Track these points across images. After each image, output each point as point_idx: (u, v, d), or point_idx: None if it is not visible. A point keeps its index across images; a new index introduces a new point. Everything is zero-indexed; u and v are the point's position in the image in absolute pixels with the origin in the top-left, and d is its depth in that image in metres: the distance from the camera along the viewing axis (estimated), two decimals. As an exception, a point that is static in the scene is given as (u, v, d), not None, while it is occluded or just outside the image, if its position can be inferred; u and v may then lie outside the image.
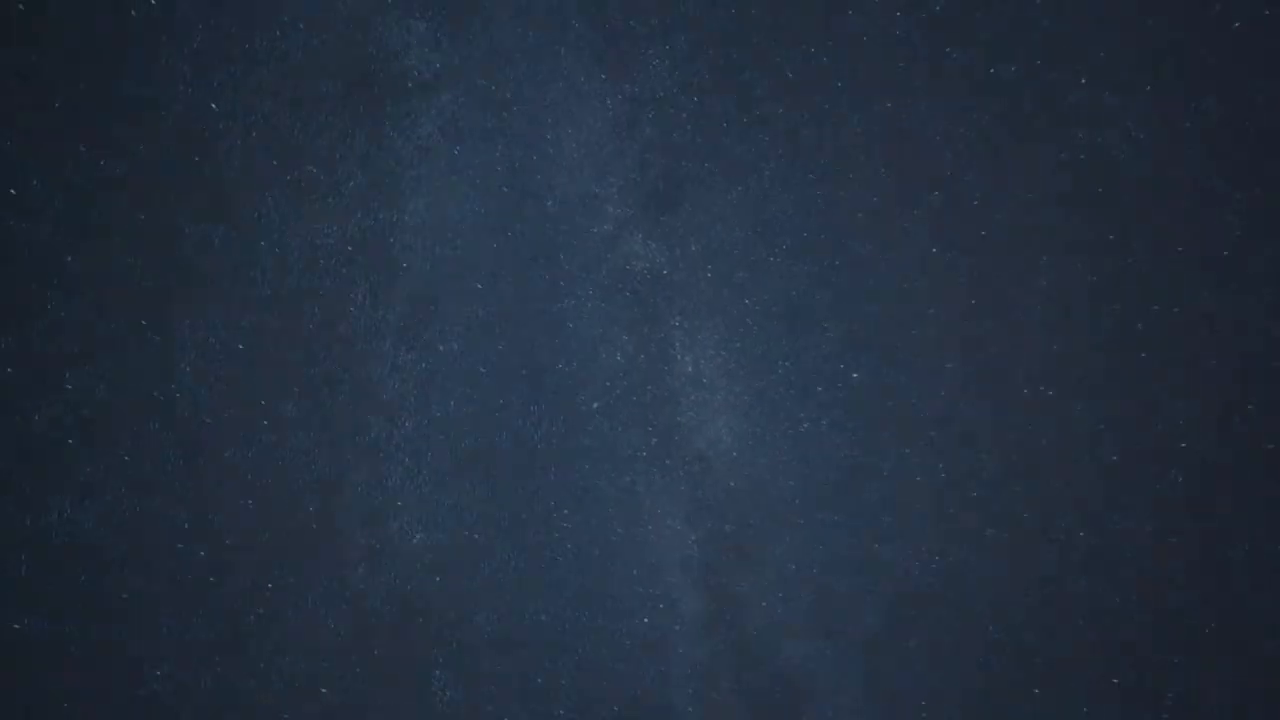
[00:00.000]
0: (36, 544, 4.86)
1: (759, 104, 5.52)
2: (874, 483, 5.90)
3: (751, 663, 5.87)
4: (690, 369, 5.67)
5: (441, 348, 5.29)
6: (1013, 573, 5.91)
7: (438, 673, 5.44)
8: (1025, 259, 5.92)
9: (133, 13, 4.44)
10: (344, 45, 4.95)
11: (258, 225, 4.96)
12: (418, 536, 5.36)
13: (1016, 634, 6.04)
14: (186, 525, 5.11)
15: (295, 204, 5.08)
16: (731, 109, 5.48)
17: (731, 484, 5.80)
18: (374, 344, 5.34)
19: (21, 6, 3.92)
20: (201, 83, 4.85)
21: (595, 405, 5.52)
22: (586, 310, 5.52)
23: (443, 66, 5.15)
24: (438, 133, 5.14)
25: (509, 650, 5.54)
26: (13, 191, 4.18)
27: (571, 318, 5.53)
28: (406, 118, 5.16)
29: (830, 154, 5.68)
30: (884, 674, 5.92)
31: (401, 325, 5.29)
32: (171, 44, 4.83)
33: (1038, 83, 5.68)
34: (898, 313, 5.87)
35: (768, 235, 5.66)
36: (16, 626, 4.70)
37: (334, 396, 5.26)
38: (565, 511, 5.56)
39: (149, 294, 5.05)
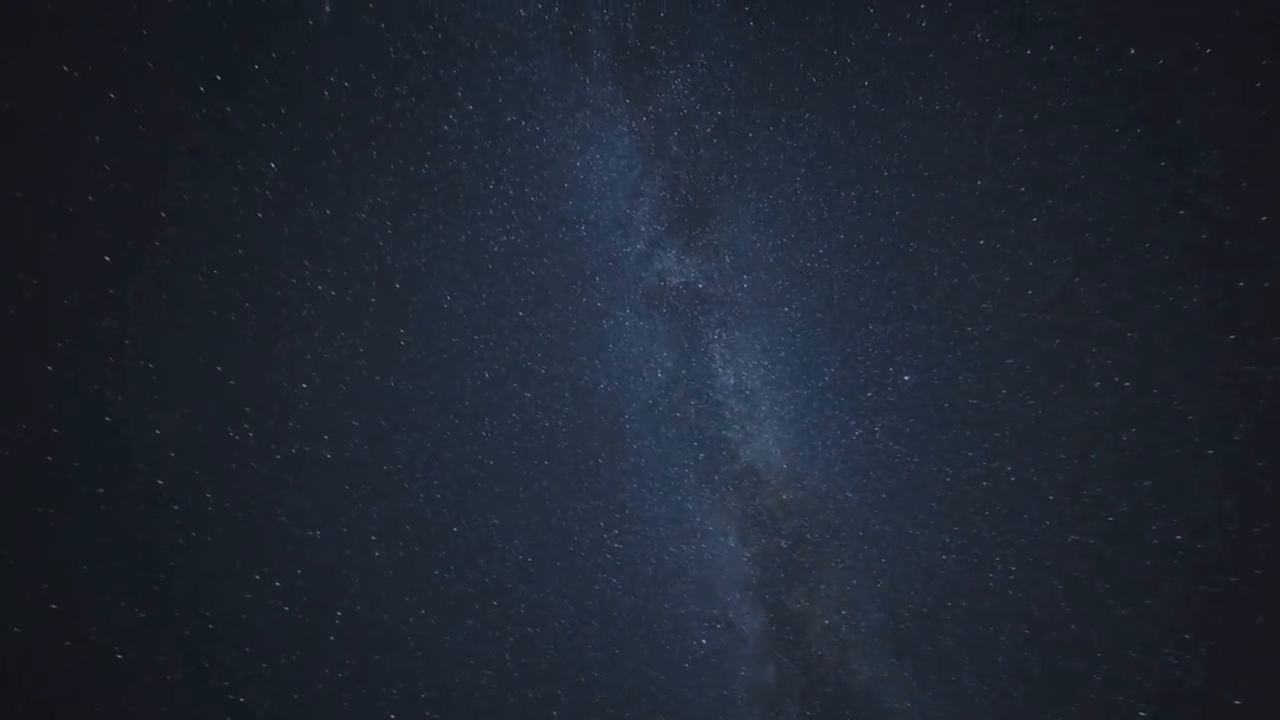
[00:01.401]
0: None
1: (785, 112, 5.06)
2: (937, 490, 5.15)
3: (818, 684, 5.16)
4: (733, 381, 5.16)
5: (488, 374, 5.01)
6: (1101, 580, 5.00)
7: (489, 697, 5.02)
8: (1087, 244, 5.14)
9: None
10: (373, 91, 4.84)
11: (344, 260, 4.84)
12: (472, 558, 5.02)
13: (1116, 648, 5.10)
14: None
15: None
16: (757, 119, 5.04)
17: (784, 497, 5.19)
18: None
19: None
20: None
21: (639, 424, 5.08)
22: (625, 330, 5.14)
23: (474, 107, 4.97)
24: (470, 168, 4.94)
25: (564, 674, 5.07)
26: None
27: (611, 338, 5.16)
28: (446, 158, 4.99)
29: (862, 155, 5.13)
30: (963, 695, 5.07)
31: (447, 357, 5.04)
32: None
33: (1069, 70, 4.98)
34: (949, 309, 5.18)
35: (803, 241, 5.14)
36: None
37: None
38: (615, 532, 5.10)
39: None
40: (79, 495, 4.74)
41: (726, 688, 5.02)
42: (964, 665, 5.08)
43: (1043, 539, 5.10)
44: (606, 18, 4.88)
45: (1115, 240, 5.00)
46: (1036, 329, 5.09)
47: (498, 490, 4.98)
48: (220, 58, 4.67)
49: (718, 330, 5.03)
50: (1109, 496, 4.99)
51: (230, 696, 4.80)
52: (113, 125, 4.48)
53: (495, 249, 4.90)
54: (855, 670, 5.01)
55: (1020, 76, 4.92)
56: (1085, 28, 4.80)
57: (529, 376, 4.98)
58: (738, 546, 5.06)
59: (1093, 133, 4.96)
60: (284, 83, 4.75)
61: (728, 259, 5.04)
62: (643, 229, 4.98)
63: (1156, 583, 4.93)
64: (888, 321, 5.15)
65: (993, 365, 5.11)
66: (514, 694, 4.96)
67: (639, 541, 5.00)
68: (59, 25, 4.38)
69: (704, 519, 5.05)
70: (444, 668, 5.04)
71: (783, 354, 5.05)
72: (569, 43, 4.87)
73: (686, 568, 5.04)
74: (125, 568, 4.78)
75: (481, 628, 4.99)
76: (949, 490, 5.08)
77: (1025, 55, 4.90)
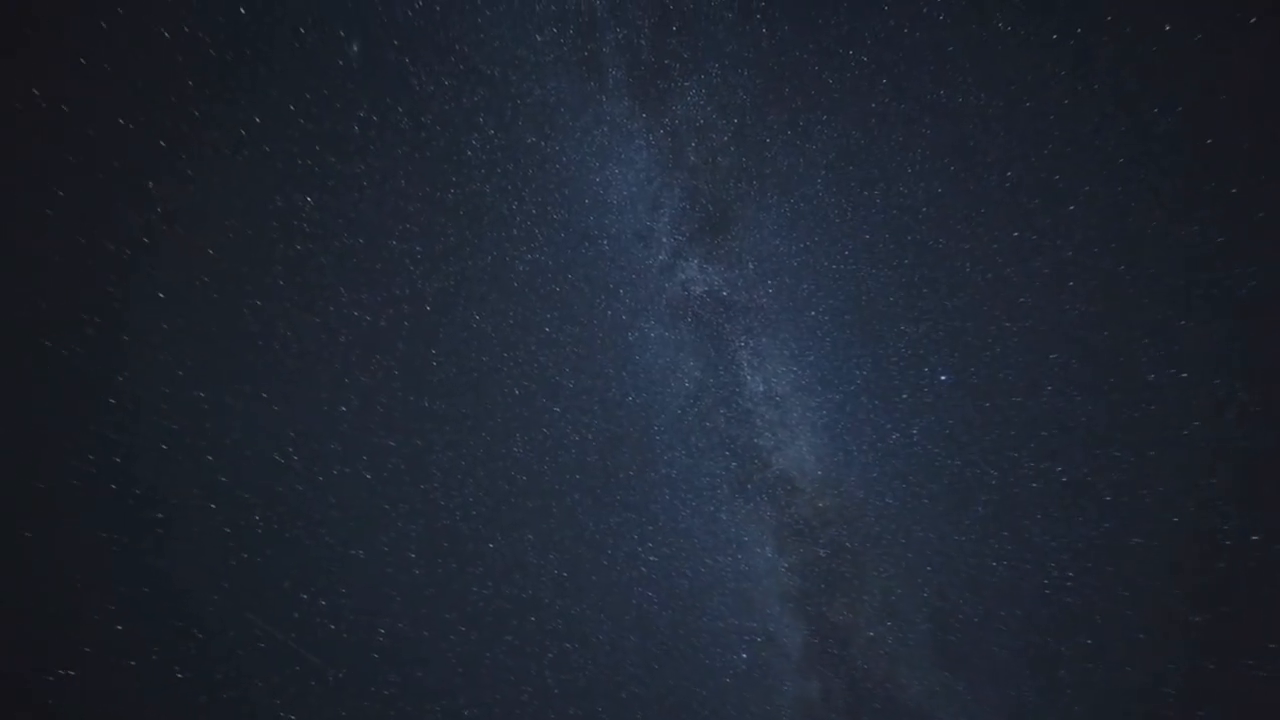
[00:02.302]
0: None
1: (802, 115, 4.77)
2: (983, 494, 4.69)
3: (866, 699, 4.71)
4: (762, 388, 4.84)
5: (518, 391, 4.82)
6: (1171, 586, 4.44)
7: (530, 714, 4.75)
8: (1130, 230, 4.66)
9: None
10: (400, 123, 4.79)
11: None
12: (509, 574, 4.81)
13: (1190, 660, 4.52)
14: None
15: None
16: (774, 125, 4.77)
17: (820, 505, 4.81)
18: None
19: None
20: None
21: (669, 434, 4.80)
22: (651, 341, 4.89)
23: (495, 131, 4.86)
24: (494, 191, 4.81)
25: (603, 690, 4.77)
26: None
27: (637, 350, 4.92)
28: (470, 182, 4.89)
29: (884, 153, 4.79)
30: (1024, 711, 4.55)
31: (477, 376, 4.89)
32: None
33: (1100, 51, 4.55)
34: (984, 305, 4.75)
35: (827, 243, 4.81)
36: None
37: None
38: (649, 545, 4.81)
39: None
40: (139, 520, 4.73)
41: (770, 703, 4.62)
42: (1023, 679, 4.55)
43: (1101, 543, 4.56)
44: (620, 36, 4.71)
45: (1161, 224, 4.50)
46: (1081, 321, 4.61)
47: (531, 505, 4.75)
48: (261, 102, 4.69)
49: (744, 337, 4.72)
50: (1173, 496, 4.44)
51: (281, 714, 4.67)
52: (161, 170, 4.52)
53: (520, 268, 4.73)
54: (904, 684, 4.54)
55: (1048, 62, 4.51)
56: (1115, 6, 4.37)
57: (557, 391, 4.76)
58: (775, 557, 4.69)
59: (1130, 114, 4.50)
60: (318, 120, 4.74)
61: (751, 265, 4.74)
62: (664, 240, 4.74)
63: (1231, 587, 4.33)
64: (920, 321, 4.76)
65: (1035, 361, 4.65)
66: (554, 711, 4.67)
67: (673, 554, 4.69)
68: (109, 76, 4.44)
69: (739, 529, 4.70)
70: (485, 684, 4.80)
71: (812, 358, 4.70)
72: (584, 63, 4.72)
73: (723, 579, 4.70)
74: (181, 590, 4.73)
75: (520, 644, 4.74)
76: (995, 493, 4.60)
77: (1052, 40, 4.50)
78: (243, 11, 4.60)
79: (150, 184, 4.66)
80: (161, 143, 4.69)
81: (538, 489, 4.85)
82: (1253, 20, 4.12)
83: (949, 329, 4.73)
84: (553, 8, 4.68)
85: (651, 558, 4.68)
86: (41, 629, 4.61)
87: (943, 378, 4.59)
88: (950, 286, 4.75)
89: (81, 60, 4.42)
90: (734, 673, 4.69)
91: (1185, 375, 4.29)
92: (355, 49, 4.75)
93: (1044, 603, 4.58)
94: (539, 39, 4.74)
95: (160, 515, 4.77)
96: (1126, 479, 4.52)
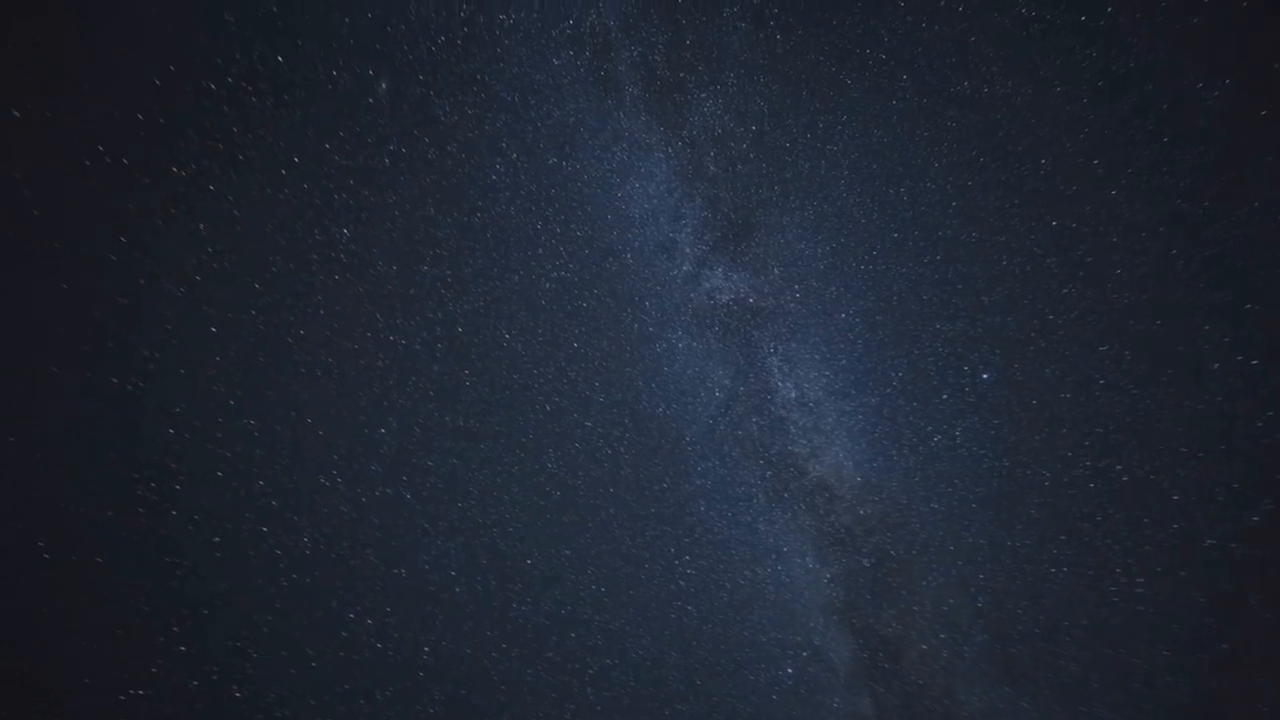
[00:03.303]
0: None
1: (821, 118, 4.49)
2: (1036, 496, 4.21)
3: (922, 717, 4.23)
4: (794, 394, 4.50)
5: (549, 407, 4.62)
6: (1251, 590, 3.84)
7: None
8: (1181, 211, 4.17)
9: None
10: (428, 153, 4.71)
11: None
12: (547, 590, 4.55)
13: (1278, 668, 3.88)
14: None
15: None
16: (793, 129, 4.50)
17: (862, 512, 4.41)
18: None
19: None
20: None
21: (702, 445, 4.49)
22: (679, 351, 4.63)
23: (518, 154, 4.74)
24: (519, 212, 4.67)
25: (647, 706, 4.43)
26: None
27: (666, 361, 4.66)
28: (496, 205, 4.79)
29: (908, 149, 4.45)
30: (1097, 730, 3.99)
31: (509, 393, 4.71)
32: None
33: (1134, 29, 4.12)
34: (1025, 298, 4.31)
35: (854, 244, 4.47)
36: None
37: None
38: (686, 558, 4.49)
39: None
40: (198, 544, 4.69)
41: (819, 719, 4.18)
42: (1094, 694, 4.00)
43: (1171, 545, 4.01)
44: (635, 54, 4.54)
45: (1215, 204, 3.99)
46: (1132, 310, 4.12)
47: (566, 520, 4.51)
48: (299, 143, 4.70)
49: (773, 343, 4.40)
50: (1248, 493, 3.86)
51: (332, 733, 4.50)
52: (211, 213, 4.55)
53: (547, 285, 4.56)
54: (963, 701, 4.05)
55: (1077, 44, 4.11)
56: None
57: (588, 406, 4.53)
58: (816, 567, 4.29)
59: (1171, 91, 4.03)
60: (352, 156, 4.72)
61: (777, 270, 4.43)
62: (688, 250, 4.50)
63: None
64: (956, 318, 4.34)
65: (1084, 354, 4.17)
66: (597, 729, 4.36)
67: (711, 566, 4.35)
68: (164, 130, 4.51)
69: (777, 539, 4.34)
70: (528, 702, 4.53)
71: (844, 362, 4.34)
72: (601, 83, 4.57)
73: (764, 592, 4.33)
74: (238, 612, 4.64)
75: (561, 660, 4.46)
76: (1050, 495, 4.11)
77: (1079, 21, 4.09)
78: (280, 60, 4.62)
79: (201, 226, 4.69)
80: (210, 187, 4.74)
81: (572, 504, 4.59)
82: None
83: (988, 325, 4.29)
84: (568, 32, 4.54)
85: (689, 570, 4.35)
86: (109, 650, 4.59)
87: (984, 376, 4.15)
88: (986, 281, 4.32)
89: (139, 115, 4.50)
90: (780, 689, 4.28)
91: (1255, 362, 3.74)
92: (384, 86, 4.73)
93: (1113, 611, 4.04)
94: (556, 63, 4.61)
95: (216, 539, 4.73)
96: (1195, 476, 3.98)
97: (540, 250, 4.81)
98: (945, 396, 4.23)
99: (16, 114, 4.30)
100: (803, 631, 4.35)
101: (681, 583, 4.49)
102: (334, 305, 4.86)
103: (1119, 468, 4.04)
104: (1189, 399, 4.06)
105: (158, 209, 4.72)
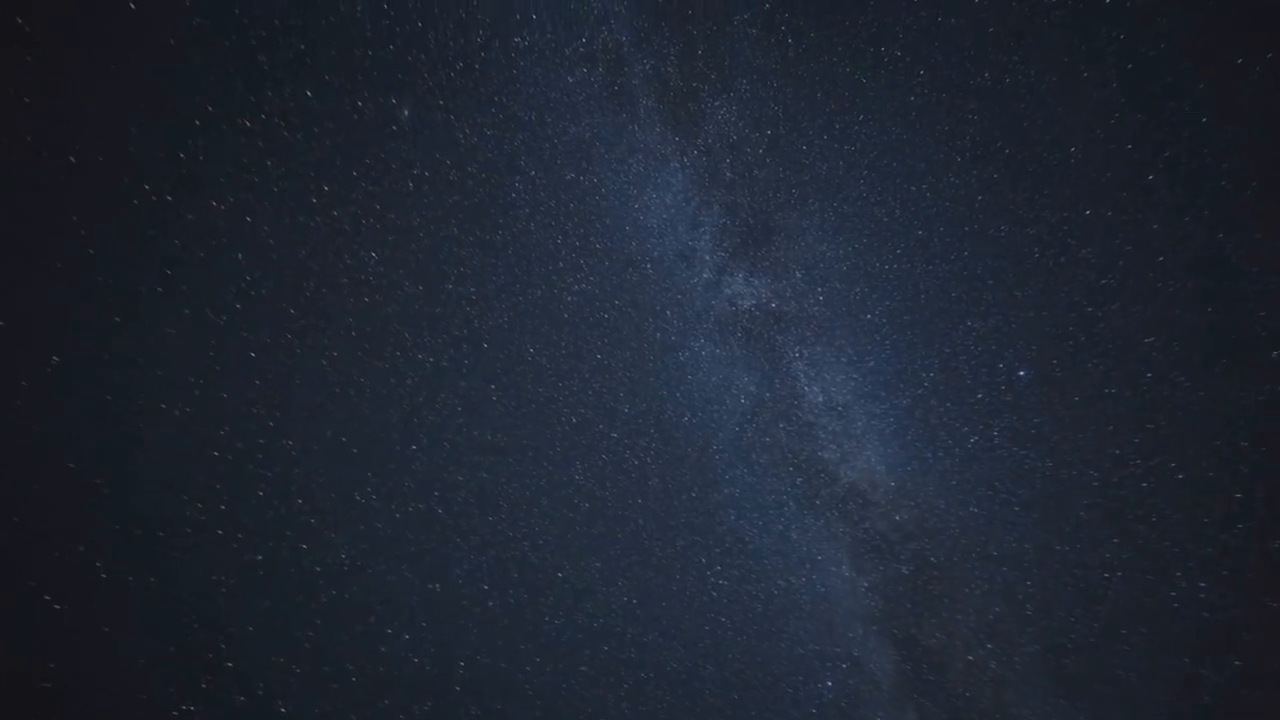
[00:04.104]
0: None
1: (838, 118, 4.25)
2: (1084, 497, 3.83)
3: None
4: (822, 399, 4.23)
5: (574, 419, 4.45)
6: None
7: None
8: (1225, 194, 3.79)
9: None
10: (449, 175, 4.64)
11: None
12: (579, 602, 4.35)
13: None
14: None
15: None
16: (809, 131, 4.27)
17: (898, 518, 4.09)
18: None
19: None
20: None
21: (729, 453, 4.25)
22: (702, 359, 4.41)
23: (536, 171, 4.63)
24: (538, 228, 4.55)
25: None
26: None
27: (689, 369, 4.46)
28: (516, 222, 4.70)
29: (929, 145, 4.18)
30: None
31: (535, 407, 4.56)
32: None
33: (1167, 7, 3.80)
34: (1060, 291, 3.97)
35: (877, 244, 4.21)
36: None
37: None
38: (718, 568, 4.25)
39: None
40: (244, 563, 4.64)
41: (862, 736, 3.85)
42: (1158, 707, 3.58)
43: (1237, 546, 3.57)
44: (648, 67, 4.39)
45: (1262, 184, 3.60)
46: (1178, 298, 3.74)
47: (595, 532, 4.31)
48: (328, 172, 4.70)
49: (798, 348, 4.15)
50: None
51: (372, 748, 4.36)
52: (249, 245, 4.56)
53: (569, 299, 4.41)
54: (1015, 715, 3.68)
55: (1103, 28, 3.78)
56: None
57: (613, 417, 4.34)
58: (853, 576, 3.98)
59: (1208, 70, 3.67)
60: (378, 181, 4.69)
61: (798, 274, 4.19)
62: (707, 258, 4.31)
63: None
64: (988, 315, 4.02)
65: (1128, 347, 3.80)
66: (633, 745, 4.10)
67: (744, 576, 4.09)
68: (205, 171, 4.55)
69: (810, 547, 4.05)
70: (564, 716, 4.29)
71: (872, 364, 4.05)
72: (615, 97, 4.44)
73: (799, 602, 4.04)
74: (280, 628, 4.56)
75: (595, 674, 4.24)
76: (1099, 496, 3.73)
77: (1103, 3, 3.77)
78: (309, 94, 4.62)
79: (239, 256, 4.70)
80: (247, 219, 4.74)
81: (601, 515, 4.39)
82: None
83: (1022, 321, 3.95)
84: (581, 50, 4.43)
85: (721, 581, 4.09)
86: (162, 668, 4.55)
87: (1020, 373, 3.81)
88: (1019, 276, 3.99)
89: (180, 155, 4.53)
90: (820, 703, 3.96)
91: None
92: (406, 114, 4.69)
93: (1174, 618, 3.62)
94: (570, 80, 4.50)
95: (259, 557, 4.66)
96: (1260, 472, 3.54)
97: (561, 264, 4.67)
98: (980, 396, 3.89)
99: (73, 160, 4.39)
100: (841, 643, 4.03)
101: (714, 594, 4.22)
102: (365, 326, 4.80)
103: (1173, 465, 3.64)
104: (1247, 390, 3.64)
105: (200, 242, 4.75)
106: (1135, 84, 3.88)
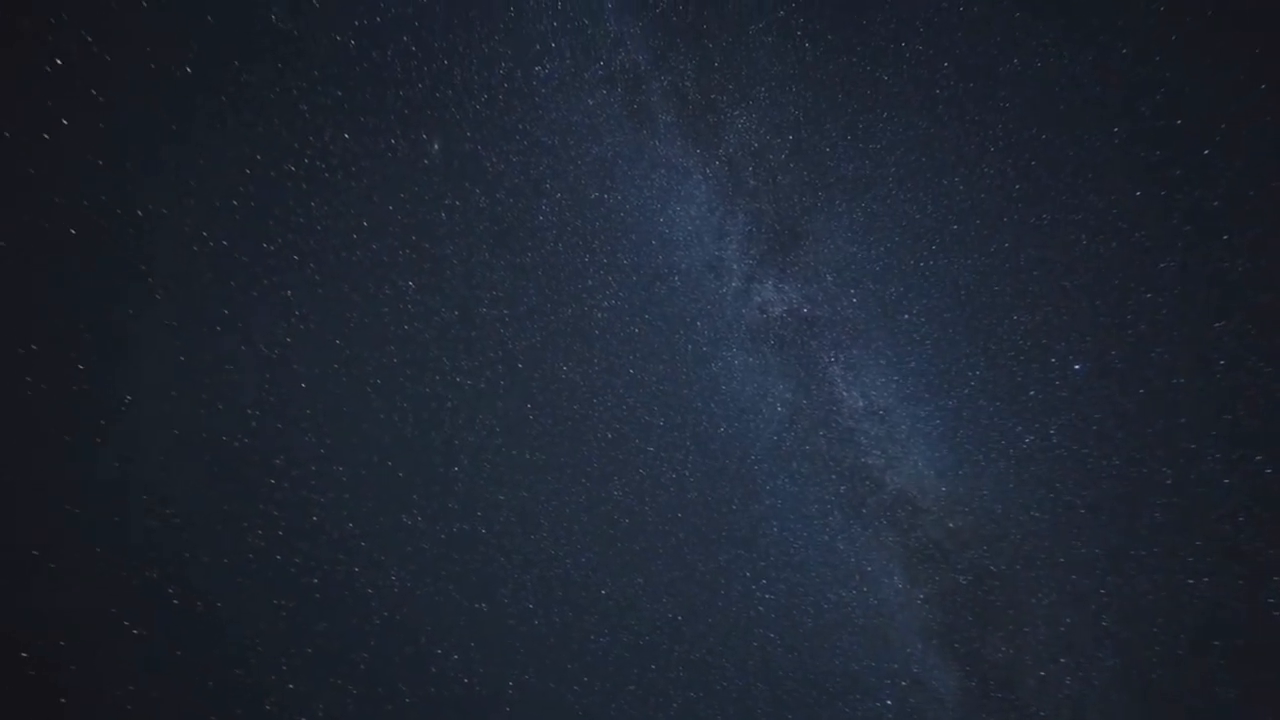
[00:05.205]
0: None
1: (861, 118, 3.96)
2: (1159, 496, 3.35)
3: None
4: (861, 403, 3.88)
5: (610, 435, 4.22)
6: None
7: None
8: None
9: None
10: (479, 202, 4.54)
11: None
12: (623, 619, 4.07)
13: None
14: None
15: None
16: (832, 133, 3.99)
17: (951, 525, 3.67)
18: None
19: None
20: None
21: (768, 463, 3.93)
22: (736, 369, 4.14)
23: (561, 193, 4.48)
24: (566, 248, 4.39)
25: None
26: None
27: (723, 380, 4.19)
28: (544, 243, 4.58)
29: (959, 136, 3.83)
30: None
31: (571, 424, 4.35)
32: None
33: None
34: (1114, 278, 3.54)
35: (910, 241, 3.87)
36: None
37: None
38: (763, 582, 3.92)
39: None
40: (300, 587, 4.55)
41: (929, 760, 3.42)
42: None
43: None
44: (666, 84, 4.21)
45: None
46: (1249, 278, 3.25)
47: (637, 548, 4.05)
48: (368, 209, 4.69)
49: (833, 352, 3.82)
50: None
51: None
52: (295, 279, 4.54)
53: (599, 315, 4.22)
54: None
55: (1142, 1, 3.37)
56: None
57: (649, 431, 4.10)
58: (907, 587, 3.59)
59: (1269, 31, 3.21)
60: (412, 214, 4.65)
61: (829, 277, 3.87)
62: (735, 266, 4.06)
63: None
64: (1035, 308, 3.60)
65: (1196, 333, 3.33)
66: (686, 768, 3.77)
67: (791, 590, 3.74)
68: (255, 214, 4.58)
69: (860, 558, 3.67)
70: None
71: (913, 364, 3.68)
72: (634, 115, 4.28)
73: (851, 616, 3.66)
74: (337, 650, 4.44)
75: (643, 693, 3.93)
76: (1174, 495, 3.25)
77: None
78: (347, 137, 4.61)
79: (289, 293, 4.69)
80: (295, 257, 4.73)
81: (641, 531, 4.12)
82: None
83: (1074, 312, 3.52)
84: (600, 73, 4.28)
85: (768, 595, 3.75)
86: (228, 691, 4.47)
87: (1076, 367, 3.38)
88: (1066, 264, 3.57)
89: (234, 203, 4.57)
90: (879, 723, 3.54)
91: None
92: (436, 147, 4.63)
93: (1273, 627, 3.06)
94: (590, 102, 4.36)
95: (315, 580, 4.56)
96: None
97: (590, 281, 4.49)
98: (1033, 393, 3.47)
99: (140, 214, 4.48)
100: (899, 659, 3.61)
101: (761, 608, 3.87)
102: (405, 353, 4.72)
103: (1259, 459, 3.13)
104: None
105: (254, 283, 4.77)
106: (1183, 56, 3.44)
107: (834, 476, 4.03)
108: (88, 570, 4.56)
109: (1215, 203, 3.47)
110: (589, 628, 4.48)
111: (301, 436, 4.88)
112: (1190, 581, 3.33)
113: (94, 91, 4.24)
